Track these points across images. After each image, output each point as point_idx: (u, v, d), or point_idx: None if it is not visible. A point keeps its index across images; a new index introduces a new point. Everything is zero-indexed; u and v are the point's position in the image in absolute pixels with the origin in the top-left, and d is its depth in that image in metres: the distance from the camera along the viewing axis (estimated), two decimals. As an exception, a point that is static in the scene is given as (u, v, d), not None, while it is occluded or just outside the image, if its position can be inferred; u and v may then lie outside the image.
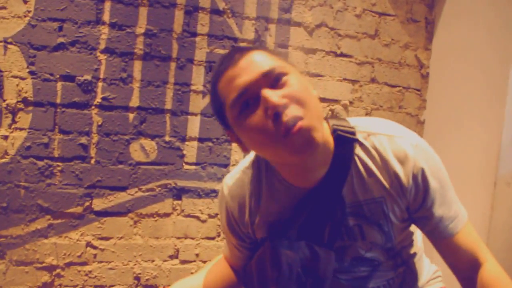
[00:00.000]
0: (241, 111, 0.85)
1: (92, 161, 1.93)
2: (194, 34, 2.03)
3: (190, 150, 2.05)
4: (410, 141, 0.92)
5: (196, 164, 2.05)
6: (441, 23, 2.37)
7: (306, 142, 0.82)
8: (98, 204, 1.94)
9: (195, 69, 2.04)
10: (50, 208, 1.89)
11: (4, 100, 1.82)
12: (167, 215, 2.04)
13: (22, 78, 1.83)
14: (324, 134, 0.86)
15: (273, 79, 0.84)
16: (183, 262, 2.07)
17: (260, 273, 1.03)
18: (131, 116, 1.97)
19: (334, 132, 0.92)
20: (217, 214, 2.08)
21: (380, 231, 0.95)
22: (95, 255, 1.96)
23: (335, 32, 2.25)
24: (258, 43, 2.13)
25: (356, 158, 0.92)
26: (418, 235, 1.10)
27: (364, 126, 0.94)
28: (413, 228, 1.06)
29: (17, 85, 1.83)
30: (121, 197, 1.97)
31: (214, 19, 2.06)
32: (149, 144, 2.00)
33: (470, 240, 0.96)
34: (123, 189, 1.97)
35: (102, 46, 1.93)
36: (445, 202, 0.94)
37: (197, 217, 2.08)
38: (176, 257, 2.06)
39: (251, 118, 0.84)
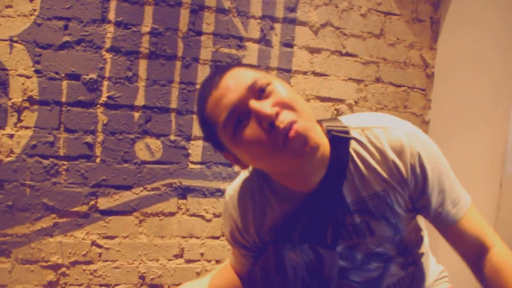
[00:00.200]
0: (235, 129, 0.84)
1: (97, 160, 1.93)
2: (200, 33, 2.03)
3: (195, 149, 2.04)
4: (405, 130, 0.93)
5: (201, 163, 2.05)
6: (447, 23, 2.37)
7: (305, 144, 0.82)
8: (103, 203, 1.94)
9: (200, 68, 2.04)
10: (55, 206, 1.89)
11: (10, 99, 1.82)
12: (172, 214, 2.04)
13: (28, 77, 1.83)
14: (319, 135, 0.87)
15: (258, 91, 0.84)
16: (188, 261, 2.07)
17: (265, 278, 1.03)
18: (136, 115, 1.97)
19: (328, 133, 0.92)
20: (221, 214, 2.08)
21: (387, 224, 0.95)
22: (100, 254, 1.96)
23: (340, 31, 2.25)
24: (263, 43, 2.12)
25: (354, 155, 0.92)
26: (426, 234, 1.10)
27: (357, 122, 0.95)
28: (422, 224, 1.06)
29: (23, 83, 1.83)
30: (126, 196, 1.97)
31: (219, 18, 2.06)
32: (154, 143, 2.00)
33: (475, 225, 0.96)
34: (128, 188, 1.97)
35: (108, 44, 1.92)
36: (445, 188, 0.94)
37: (202, 217, 2.08)
38: (181, 256, 2.06)
39: (246, 133, 0.83)
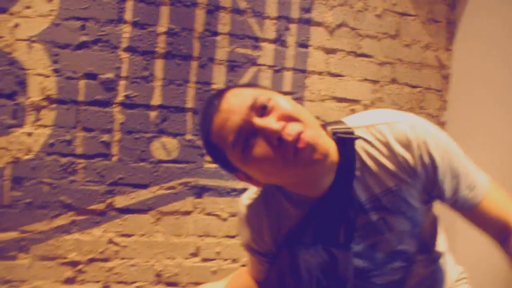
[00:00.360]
0: (244, 149, 0.85)
1: (114, 158, 1.95)
2: (215, 33, 2.04)
3: (211, 148, 2.05)
4: (409, 122, 0.93)
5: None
6: (463, 23, 2.35)
7: (314, 152, 0.83)
8: (120, 201, 1.96)
9: (216, 68, 2.05)
10: (72, 204, 1.91)
11: (28, 98, 1.84)
12: (188, 213, 2.05)
13: (46, 76, 1.86)
14: (326, 142, 0.88)
15: (260, 108, 0.85)
16: (204, 260, 2.08)
17: (280, 281, 1.03)
18: (152, 114, 1.99)
19: (334, 135, 0.93)
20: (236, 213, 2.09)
21: (404, 218, 0.95)
22: (117, 252, 1.97)
23: (356, 32, 2.25)
24: (279, 43, 2.13)
25: (361, 154, 0.92)
26: (444, 235, 1.10)
27: (361, 121, 0.96)
28: (439, 219, 1.06)
29: (41, 83, 1.85)
30: (143, 195, 1.99)
31: (235, 18, 2.07)
32: (170, 142, 2.01)
33: (497, 206, 0.96)
34: (144, 186, 1.98)
35: (124, 44, 1.94)
36: (458, 174, 0.94)
37: (218, 216, 2.09)
38: (197, 255, 2.07)
39: (256, 151, 0.84)
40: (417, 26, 2.34)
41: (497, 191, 0.98)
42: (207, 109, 0.90)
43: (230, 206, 2.09)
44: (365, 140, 0.93)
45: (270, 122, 0.83)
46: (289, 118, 0.84)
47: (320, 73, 2.20)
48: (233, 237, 2.10)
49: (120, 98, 1.94)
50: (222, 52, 2.05)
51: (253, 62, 2.10)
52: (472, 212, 0.96)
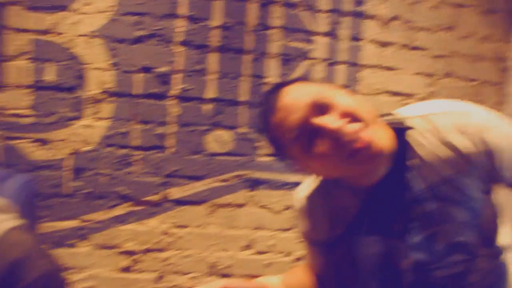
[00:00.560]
0: (304, 146, 0.87)
1: (169, 150, 1.98)
2: (268, 27, 2.04)
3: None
4: (463, 111, 0.92)
5: (270, 155, 2.06)
6: (522, 15, 2.26)
7: (370, 151, 0.84)
8: (175, 193, 1.99)
9: (269, 61, 2.05)
10: (129, 195, 1.95)
11: (88, 91, 1.89)
12: (241, 205, 2.06)
13: (104, 70, 1.90)
14: (383, 138, 0.88)
15: (320, 106, 0.86)
16: (258, 253, 2.09)
17: (338, 274, 1.04)
18: (206, 107, 2.01)
19: (391, 125, 0.93)
20: (290, 206, 2.08)
21: (463, 208, 0.93)
22: (171, 243, 2.00)
23: (410, 24, 2.20)
24: (331, 37, 2.11)
25: (416, 144, 0.92)
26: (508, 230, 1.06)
27: (414, 111, 0.96)
28: (501, 210, 1.03)
29: (99, 77, 1.90)
30: (197, 187, 2.01)
31: (287, 12, 2.06)
32: (224, 135, 2.03)
33: None
34: (199, 179, 2.00)
35: (179, 39, 1.97)
36: None
37: (271, 209, 2.09)
38: (251, 248, 2.08)
39: (316, 148, 0.86)
40: (473, 17, 2.27)
41: None
42: (267, 103, 0.93)
43: (283, 200, 2.08)
44: (418, 130, 0.93)
45: (328, 120, 0.85)
46: (348, 116, 0.85)
47: (373, 67, 2.16)
48: (286, 230, 2.10)
49: (175, 91, 1.97)
50: (275, 46, 2.05)
51: (305, 55, 2.09)
52: None
